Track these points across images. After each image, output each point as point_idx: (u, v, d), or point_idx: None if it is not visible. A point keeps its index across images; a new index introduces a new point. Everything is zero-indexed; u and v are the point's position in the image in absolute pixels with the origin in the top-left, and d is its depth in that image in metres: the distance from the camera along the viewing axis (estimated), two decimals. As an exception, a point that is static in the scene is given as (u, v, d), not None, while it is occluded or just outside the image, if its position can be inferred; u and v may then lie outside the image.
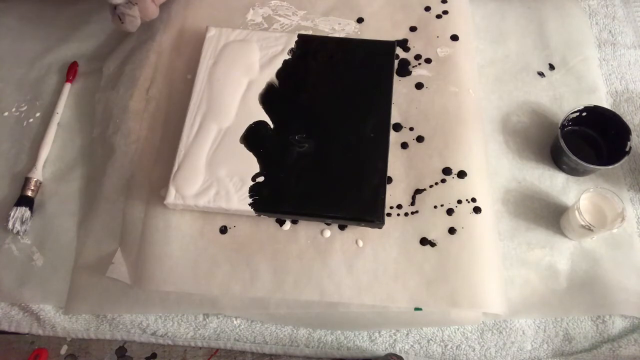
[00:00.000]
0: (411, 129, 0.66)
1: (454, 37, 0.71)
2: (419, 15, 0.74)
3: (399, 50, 0.71)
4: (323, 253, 0.60)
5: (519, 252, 0.64)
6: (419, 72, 0.70)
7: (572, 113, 0.66)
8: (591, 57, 0.76)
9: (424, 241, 0.60)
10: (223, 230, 0.62)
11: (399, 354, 0.60)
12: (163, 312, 0.62)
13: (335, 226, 0.62)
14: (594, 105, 0.67)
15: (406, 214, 0.62)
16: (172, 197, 0.60)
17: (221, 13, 0.75)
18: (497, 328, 0.61)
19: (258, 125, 0.64)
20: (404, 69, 0.70)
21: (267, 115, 0.64)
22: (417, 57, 0.70)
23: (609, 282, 0.62)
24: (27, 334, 0.63)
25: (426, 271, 0.59)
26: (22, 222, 0.65)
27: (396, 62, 0.69)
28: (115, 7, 0.67)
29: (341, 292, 0.58)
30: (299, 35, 0.69)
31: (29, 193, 0.67)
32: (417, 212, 0.62)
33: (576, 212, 0.60)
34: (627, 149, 0.64)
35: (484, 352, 0.60)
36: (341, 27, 0.74)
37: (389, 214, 0.62)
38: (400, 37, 0.72)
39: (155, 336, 0.62)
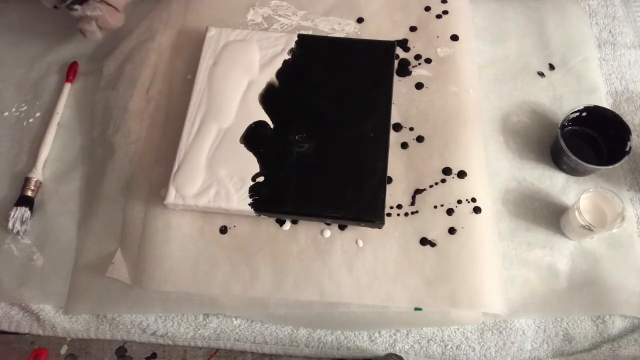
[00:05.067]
0: (411, 129, 0.66)
1: (454, 37, 0.71)
2: (419, 15, 0.74)
3: (399, 50, 0.71)
4: (323, 253, 0.60)
5: (519, 252, 0.64)
6: (419, 72, 0.69)
7: (572, 113, 0.66)
8: (591, 57, 0.76)
9: (424, 241, 0.60)
10: (223, 230, 0.62)
11: (399, 354, 0.60)
12: (163, 312, 0.62)
13: (335, 226, 0.62)
14: (594, 105, 0.67)
15: (406, 214, 0.62)
16: (172, 197, 0.60)
17: (221, 13, 0.75)
18: (497, 328, 0.61)
19: (258, 125, 0.64)
20: (404, 69, 0.70)
21: (267, 115, 0.64)
22: (417, 57, 0.70)
23: (609, 282, 0.62)
24: (27, 334, 0.63)
25: (426, 271, 0.59)
26: (22, 222, 0.65)
27: (396, 62, 0.69)
28: (77, 20, 0.67)
29: (341, 292, 0.58)
30: (299, 35, 0.69)
31: (29, 193, 0.67)
32: (417, 212, 0.62)
33: (576, 212, 0.60)
34: (627, 149, 0.64)
35: (484, 352, 0.60)
36: (341, 27, 0.74)
37: (389, 214, 0.62)
38: (400, 37, 0.72)
39: (155, 336, 0.62)
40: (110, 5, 0.67)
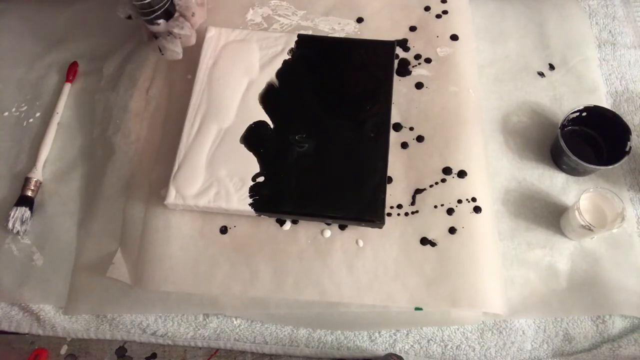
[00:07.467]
0: (411, 128, 0.66)
1: (454, 37, 0.71)
2: (419, 15, 0.73)
3: (399, 50, 0.71)
4: (323, 253, 0.60)
5: (519, 252, 0.64)
6: (419, 72, 0.69)
7: (572, 113, 0.66)
8: (591, 57, 0.76)
9: (424, 241, 0.60)
10: (223, 230, 0.62)
11: (399, 354, 0.60)
12: (163, 312, 0.62)
13: (335, 226, 0.62)
14: (594, 105, 0.67)
15: (406, 214, 0.62)
16: (172, 197, 0.60)
17: (221, 13, 0.75)
18: (497, 328, 0.61)
19: (258, 125, 0.64)
20: (404, 69, 0.70)
21: (267, 115, 0.64)
22: (417, 57, 0.70)
23: (609, 282, 0.62)
24: (27, 334, 0.63)
25: (426, 271, 0.59)
26: (22, 222, 0.65)
27: (396, 62, 0.69)
28: (155, 35, 0.63)
29: (341, 292, 0.58)
30: (299, 35, 0.69)
31: (29, 193, 0.67)
32: (417, 212, 0.62)
33: (576, 212, 0.60)
34: (627, 149, 0.64)
35: (484, 352, 0.60)
36: (341, 27, 0.74)
37: (389, 214, 0.62)
38: (400, 37, 0.72)
39: (155, 336, 0.62)
40: (191, 23, 0.65)
